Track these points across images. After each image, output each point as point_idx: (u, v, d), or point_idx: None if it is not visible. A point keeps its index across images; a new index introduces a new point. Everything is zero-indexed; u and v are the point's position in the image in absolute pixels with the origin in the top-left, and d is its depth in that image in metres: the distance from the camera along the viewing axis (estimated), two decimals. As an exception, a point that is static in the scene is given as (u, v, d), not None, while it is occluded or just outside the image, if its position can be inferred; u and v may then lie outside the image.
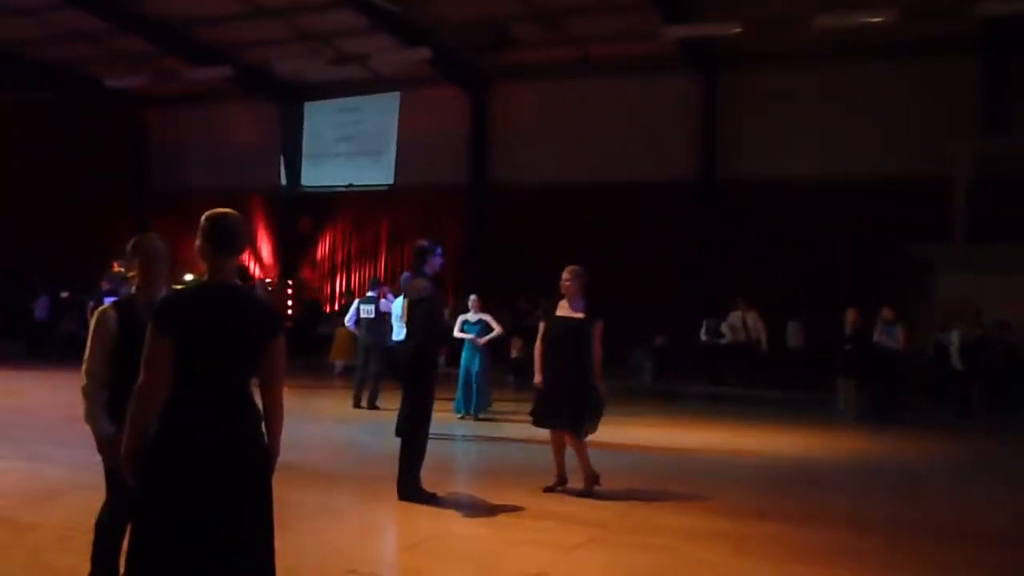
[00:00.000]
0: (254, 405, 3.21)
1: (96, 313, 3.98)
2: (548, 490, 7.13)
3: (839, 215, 18.84)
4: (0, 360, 17.70)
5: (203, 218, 3.27)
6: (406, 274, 7.58)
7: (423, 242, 7.31)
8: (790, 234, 19.05)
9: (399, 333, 11.14)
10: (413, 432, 6.83)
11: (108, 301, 4.28)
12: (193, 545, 2.98)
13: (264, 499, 3.20)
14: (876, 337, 13.48)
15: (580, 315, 7.08)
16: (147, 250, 4.06)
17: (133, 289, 4.10)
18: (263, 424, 3.23)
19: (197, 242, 3.25)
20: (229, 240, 3.25)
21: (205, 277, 3.26)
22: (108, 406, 3.83)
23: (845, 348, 13.57)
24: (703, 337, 16.50)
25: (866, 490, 8.13)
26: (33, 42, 21.33)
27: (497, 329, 11.96)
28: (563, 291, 7.21)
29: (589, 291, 7.22)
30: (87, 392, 3.86)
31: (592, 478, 7.10)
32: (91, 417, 3.85)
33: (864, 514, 6.98)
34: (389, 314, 12.25)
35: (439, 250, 7.25)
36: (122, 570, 3.81)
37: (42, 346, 19.81)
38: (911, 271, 17.04)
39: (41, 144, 24.17)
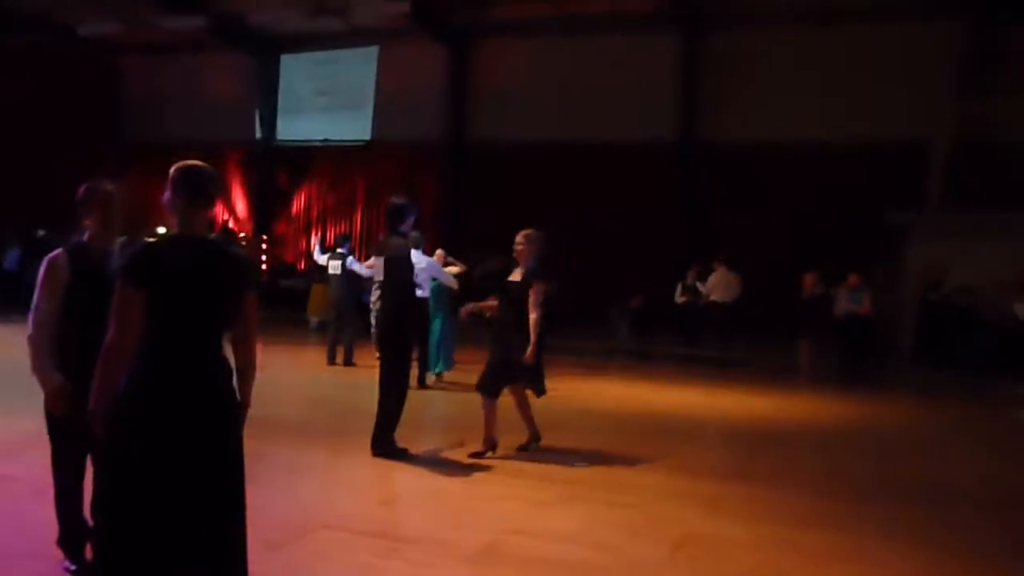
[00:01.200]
0: (225, 359, 3.20)
1: (46, 259, 3.83)
2: (522, 448, 7.17)
3: (816, 179, 18.83)
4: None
5: (173, 169, 3.21)
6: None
7: (398, 200, 7.25)
8: (768, 197, 19.06)
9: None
10: (391, 389, 6.83)
11: None
12: (165, 499, 2.97)
13: (235, 453, 3.19)
14: (843, 303, 13.62)
15: (518, 279, 7.01)
16: (99, 195, 3.95)
17: (86, 236, 3.97)
18: (235, 377, 3.23)
19: (167, 194, 3.19)
20: (200, 192, 3.18)
21: (175, 230, 3.20)
22: (59, 356, 3.74)
23: (806, 311, 13.76)
24: (678, 299, 16.56)
25: (836, 452, 8.23)
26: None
27: (455, 268, 11.63)
28: (516, 255, 7.13)
29: (542, 256, 7.10)
30: (34, 341, 3.75)
31: (489, 442, 6.96)
32: (37, 367, 3.74)
33: (835, 476, 7.09)
34: (355, 273, 12.03)
35: (413, 208, 7.22)
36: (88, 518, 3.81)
37: (14, 297, 19.54)
38: (886, 237, 17.17)
39: (12, 92, 23.64)
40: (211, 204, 3.27)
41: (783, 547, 5.03)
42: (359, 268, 11.80)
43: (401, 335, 6.90)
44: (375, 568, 4.35)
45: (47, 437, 3.91)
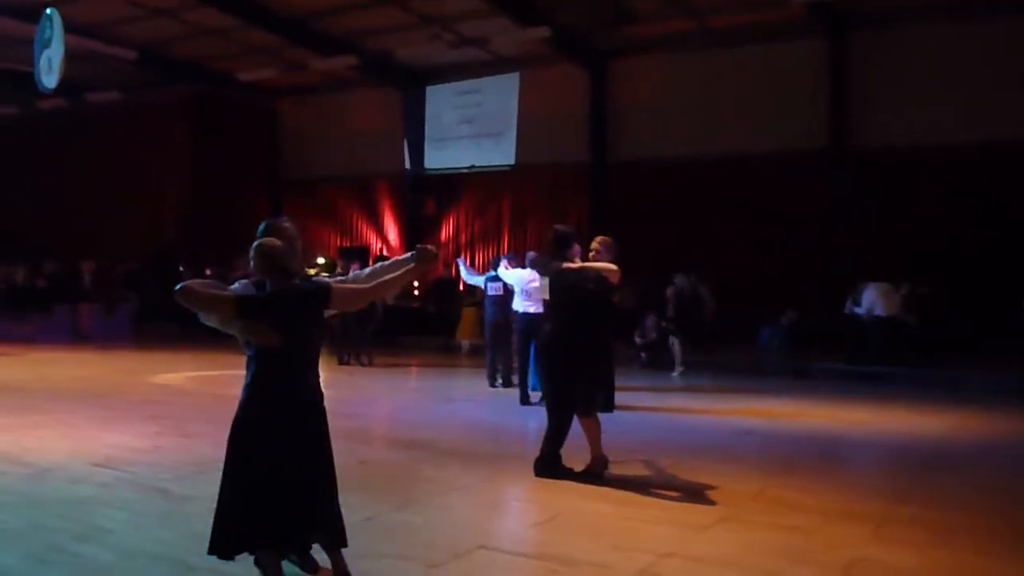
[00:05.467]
0: (314, 371, 4.24)
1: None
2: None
3: (981, 185, 17.68)
4: (155, 342, 18.84)
5: (252, 249, 4.17)
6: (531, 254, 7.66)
7: (564, 227, 7.36)
8: (927, 205, 18.04)
9: (523, 305, 11.25)
10: (551, 408, 6.86)
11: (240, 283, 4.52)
12: (270, 473, 4.01)
13: (324, 438, 4.20)
14: None
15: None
16: (279, 233, 4.34)
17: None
18: (320, 384, 4.26)
19: (254, 263, 4.17)
20: (277, 269, 4.19)
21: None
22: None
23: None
24: (849, 311, 15.76)
25: (1006, 472, 7.70)
26: (171, 41, 22.36)
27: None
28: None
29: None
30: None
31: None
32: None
33: (1009, 496, 6.63)
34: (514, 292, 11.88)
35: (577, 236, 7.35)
36: None
37: (194, 329, 20.82)
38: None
39: (182, 138, 25.47)
40: (288, 274, 4.19)
41: (961, 575, 4.75)
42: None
43: (561, 356, 6.85)
44: (533, 589, 4.38)
45: (218, 461, 4.20)
